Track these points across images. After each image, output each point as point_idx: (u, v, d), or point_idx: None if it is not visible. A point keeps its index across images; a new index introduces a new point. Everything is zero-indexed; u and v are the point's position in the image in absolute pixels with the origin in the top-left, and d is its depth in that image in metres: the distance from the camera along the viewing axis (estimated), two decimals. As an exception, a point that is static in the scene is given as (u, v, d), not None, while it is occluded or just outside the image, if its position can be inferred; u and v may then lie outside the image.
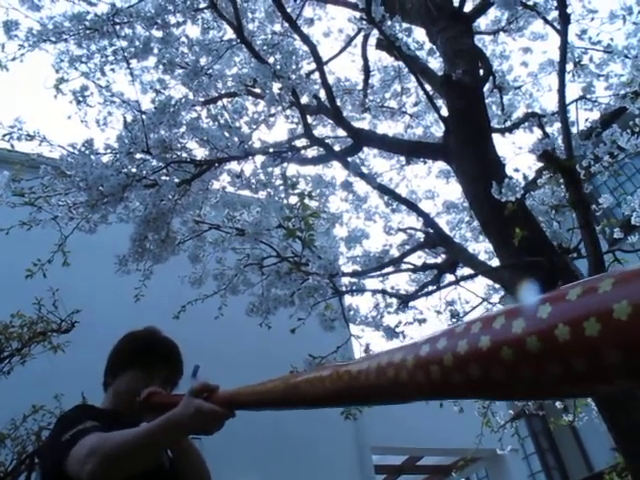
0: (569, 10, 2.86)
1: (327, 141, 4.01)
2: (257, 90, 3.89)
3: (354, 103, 5.30)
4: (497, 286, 4.37)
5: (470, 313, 4.54)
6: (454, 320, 4.30)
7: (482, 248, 4.90)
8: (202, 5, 3.35)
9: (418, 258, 4.47)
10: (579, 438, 10.26)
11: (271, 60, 3.28)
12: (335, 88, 4.99)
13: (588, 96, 4.19)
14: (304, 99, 3.70)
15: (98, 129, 3.62)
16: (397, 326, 3.61)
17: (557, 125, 4.25)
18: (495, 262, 3.66)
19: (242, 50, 3.91)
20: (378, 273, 3.89)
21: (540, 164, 4.07)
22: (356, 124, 4.61)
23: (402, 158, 5.13)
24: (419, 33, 4.55)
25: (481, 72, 4.15)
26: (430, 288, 4.02)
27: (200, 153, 3.46)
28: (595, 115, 4.25)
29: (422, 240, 4.03)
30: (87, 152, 2.95)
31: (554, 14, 3.84)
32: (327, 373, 0.88)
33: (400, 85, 5.51)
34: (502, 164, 3.37)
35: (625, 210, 4.02)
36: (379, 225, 4.82)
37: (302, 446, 6.98)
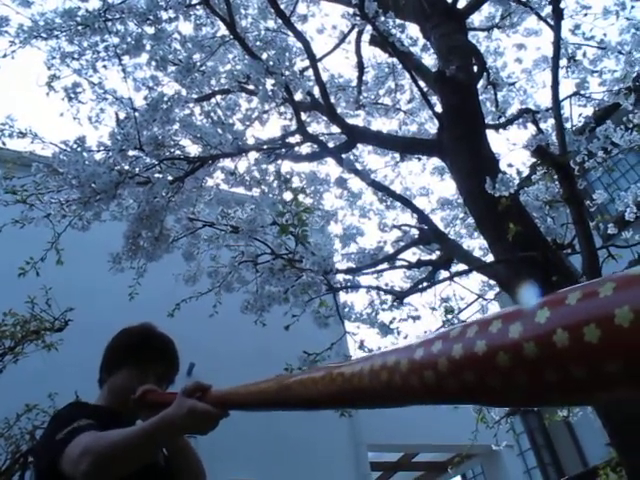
0: (562, 5, 2.86)
1: (321, 138, 4.00)
2: (250, 87, 3.88)
3: (348, 100, 5.29)
4: (492, 282, 4.37)
5: (465, 309, 4.55)
6: (449, 316, 4.31)
7: (477, 244, 4.91)
8: (194, 1, 3.33)
9: (413, 255, 4.47)
10: (574, 434, 10.31)
11: (264, 56, 3.27)
12: (329, 85, 4.98)
13: (582, 92, 4.19)
14: (298, 96, 3.68)
15: (91, 126, 3.60)
16: (391, 323, 3.61)
17: (551, 121, 4.25)
18: (490, 258, 3.66)
19: (235, 46, 3.89)
20: (373, 270, 3.88)
21: (534, 160, 4.08)
22: (350, 121, 4.60)
23: (396, 155, 5.13)
24: (413, 29, 4.56)
25: (475, 68, 4.15)
26: (425, 284, 4.03)
27: (193, 150, 3.44)
28: (589, 111, 4.26)
29: (416, 237, 4.03)
30: (79, 149, 2.92)
31: (548, 10, 3.83)
32: (320, 375, 0.87)
33: (394, 82, 5.50)
34: (496, 160, 3.38)
35: (619, 206, 4.03)
36: (374, 222, 4.83)
37: (298, 444, 6.99)
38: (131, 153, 3.09)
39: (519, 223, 2.65)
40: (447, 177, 5.02)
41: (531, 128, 4.29)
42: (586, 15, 4.13)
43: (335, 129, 4.38)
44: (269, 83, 3.15)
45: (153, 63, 3.33)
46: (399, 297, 3.67)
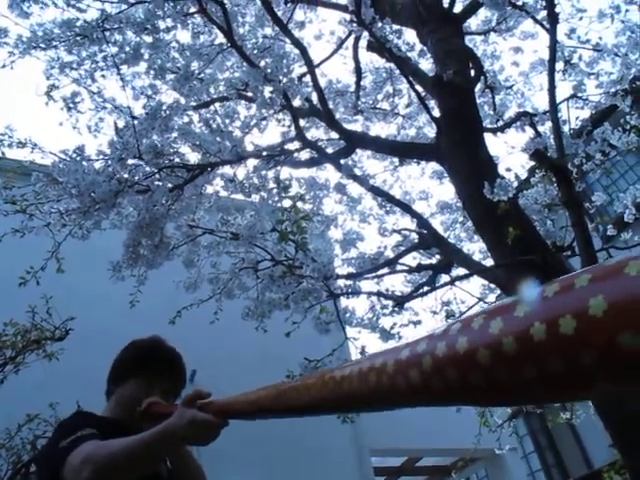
0: (558, 9, 2.88)
1: (320, 144, 4.01)
2: (249, 94, 3.89)
3: (346, 105, 5.31)
4: (493, 285, 4.37)
5: (466, 313, 4.55)
6: (450, 320, 4.30)
7: (477, 248, 4.91)
8: (192, 10, 3.34)
9: (413, 259, 4.47)
10: (578, 435, 10.27)
11: (262, 64, 3.28)
12: (327, 90, 4.99)
13: (579, 94, 4.21)
14: (296, 102, 3.70)
15: (90, 135, 3.62)
16: (392, 328, 3.61)
17: (549, 124, 4.26)
18: (490, 261, 3.67)
19: (233, 54, 3.90)
20: (373, 275, 3.89)
21: (533, 163, 4.09)
22: (349, 126, 4.62)
23: (395, 159, 5.14)
24: (410, 34, 4.57)
25: (472, 72, 4.17)
26: (425, 289, 4.03)
27: (193, 158, 3.45)
28: (586, 113, 4.27)
29: (416, 241, 4.03)
30: (78, 158, 2.93)
31: (543, 13, 3.85)
32: (313, 380, 0.87)
33: (392, 86, 5.52)
34: (494, 164, 3.38)
35: (618, 207, 4.03)
36: (374, 227, 4.83)
37: (301, 449, 6.97)
38: (130, 162, 3.10)
39: (518, 226, 2.66)
40: (446, 181, 5.03)
41: (529, 131, 4.31)
42: (581, 19, 4.15)
43: (334, 134, 4.40)
44: (267, 90, 3.16)
45: (151, 72, 3.35)
46: (399, 302, 3.67)
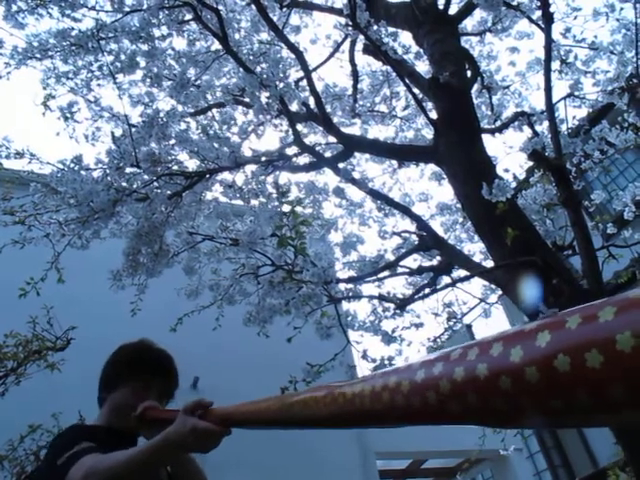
0: (552, 9, 2.87)
1: (318, 148, 4.01)
2: (246, 100, 3.89)
3: (344, 109, 5.32)
4: (494, 286, 4.37)
5: (468, 314, 4.54)
6: (452, 322, 4.29)
7: (477, 249, 4.91)
8: (187, 17, 3.35)
9: (414, 261, 4.47)
10: (583, 434, 10.24)
11: (258, 69, 3.28)
12: (324, 94, 5.00)
13: (576, 93, 4.20)
14: (293, 107, 3.70)
15: (88, 144, 3.62)
16: (394, 331, 3.60)
17: (547, 123, 4.26)
18: (491, 262, 3.66)
19: (229, 60, 3.91)
20: (374, 278, 3.88)
21: (531, 163, 4.08)
22: (347, 129, 4.62)
23: (394, 162, 5.14)
24: (406, 37, 4.57)
25: (469, 73, 4.17)
26: (427, 291, 4.02)
27: (191, 164, 3.45)
28: (584, 112, 4.27)
29: (417, 243, 4.02)
30: (76, 168, 2.93)
31: (539, 13, 3.85)
32: (322, 394, 0.86)
33: (389, 89, 5.53)
34: (493, 164, 3.38)
35: (617, 205, 4.02)
36: (374, 229, 4.83)
37: (306, 453, 6.95)
38: (128, 170, 3.10)
39: (517, 227, 2.65)
40: (445, 182, 5.03)
41: (527, 131, 4.31)
42: (576, 18, 4.15)
43: (332, 138, 4.40)
44: (264, 96, 3.16)
45: (148, 80, 3.35)
46: (400, 305, 3.66)
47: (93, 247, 3.26)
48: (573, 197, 2.38)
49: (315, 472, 6.86)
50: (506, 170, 3.95)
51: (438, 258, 4.21)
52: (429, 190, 5.31)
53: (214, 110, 4.21)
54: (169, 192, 3.26)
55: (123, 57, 3.14)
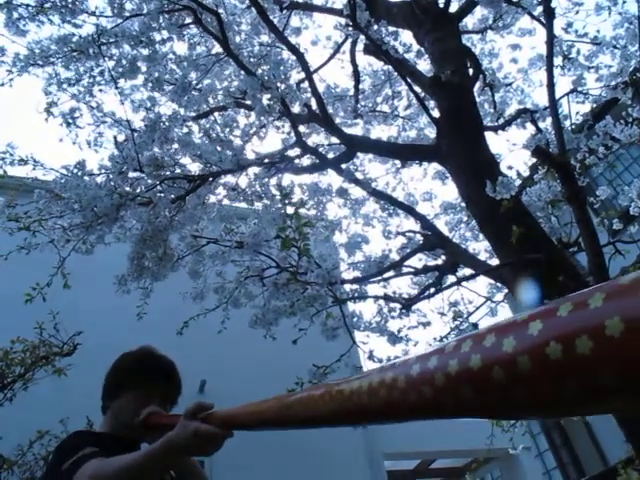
0: (554, 4, 2.86)
1: (321, 149, 4.01)
2: (247, 102, 3.89)
3: (346, 109, 5.31)
4: (500, 284, 4.35)
5: (474, 313, 4.52)
6: (458, 321, 4.28)
7: (482, 247, 4.88)
8: (187, 21, 3.35)
9: (419, 261, 4.46)
10: (592, 432, 10.18)
11: (259, 72, 3.28)
12: (326, 95, 5.00)
13: (579, 89, 4.18)
14: (295, 108, 3.70)
15: (91, 150, 3.63)
16: (400, 331, 3.59)
17: (550, 120, 4.24)
18: (496, 260, 3.65)
19: (230, 63, 3.91)
20: (379, 278, 3.87)
21: (535, 160, 4.06)
22: (349, 130, 4.61)
23: (397, 162, 5.13)
24: (406, 36, 4.56)
25: (470, 71, 4.15)
26: (432, 290, 4.00)
27: (194, 168, 3.46)
28: (587, 108, 4.24)
29: (421, 242, 4.01)
30: (80, 173, 2.94)
31: (540, 9, 3.84)
32: (320, 393, 0.86)
33: (391, 89, 5.52)
34: (496, 162, 3.36)
35: (623, 200, 4.00)
36: (378, 229, 4.82)
37: (313, 454, 6.94)
38: (131, 175, 3.11)
39: (522, 224, 2.63)
40: (449, 181, 5.02)
41: (530, 128, 4.29)
42: (578, 12, 4.14)
43: (334, 139, 4.39)
44: (265, 98, 3.16)
45: (149, 84, 3.35)
46: (405, 305, 3.65)
47: (98, 253, 3.26)
48: (578, 193, 2.37)
49: (323, 473, 6.85)
50: (510, 167, 3.93)
51: (443, 257, 4.19)
52: (433, 189, 5.30)
53: (216, 114, 4.21)
54: (172, 196, 3.26)
55: (124, 62, 3.14)
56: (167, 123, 3.09)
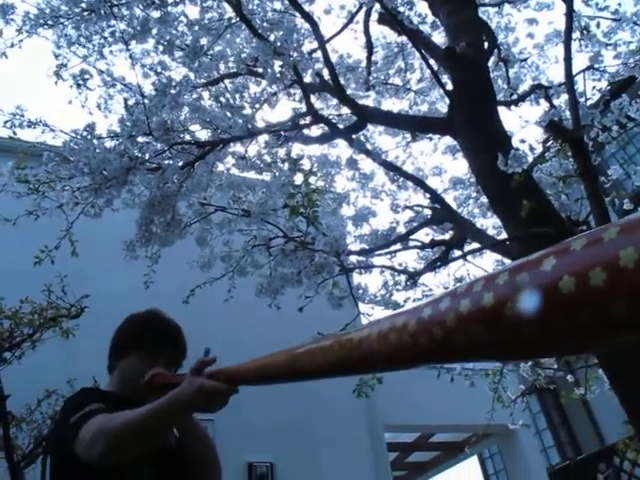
0: (575, -25, 2.79)
1: (331, 119, 3.97)
2: (259, 69, 3.85)
3: (358, 80, 5.23)
4: (506, 260, 4.34)
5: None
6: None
7: (490, 224, 4.86)
8: (200, -17, 3.30)
9: (426, 235, 4.44)
10: (591, 412, 10.28)
11: (272, 38, 3.23)
12: (338, 65, 4.92)
13: (596, 66, 4.10)
14: (307, 78, 3.65)
15: (100, 114, 3.61)
16: (405, 302, 3.60)
17: (564, 97, 4.17)
18: (503, 237, 3.63)
19: (242, 29, 3.86)
20: (386, 251, 3.87)
21: (547, 137, 4.01)
22: (360, 102, 4.56)
23: (408, 135, 5.08)
24: (422, 6, 4.46)
25: (485, 45, 4.08)
26: (438, 264, 4.00)
27: (203, 135, 3.44)
28: (603, 85, 4.17)
29: (429, 217, 4.00)
30: (89, 137, 2.93)
31: (559, -19, 3.74)
32: (329, 343, 0.87)
33: (404, 61, 5.43)
34: (508, 137, 3.32)
35: (635, 181, 3.96)
36: (386, 203, 4.80)
37: (314, 426, 7.04)
38: (141, 139, 3.09)
39: (532, 200, 2.62)
40: (459, 156, 4.97)
41: (544, 104, 4.22)
42: (599, -16, 4.03)
43: (345, 110, 4.34)
44: (277, 64, 3.12)
45: (160, 48, 3.32)
46: (412, 277, 3.65)
47: (106, 219, 3.27)
48: (590, 169, 2.35)
49: (323, 444, 6.95)
50: (522, 141, 3.88)
51: (450, 232, 4.18)
52: (443, 164, 5.24)
53: (226, 81, 4.16)
54: (181, 162, 3.26)
55: (135, 23, 3.10)
56: (177, 88, 3.06)
